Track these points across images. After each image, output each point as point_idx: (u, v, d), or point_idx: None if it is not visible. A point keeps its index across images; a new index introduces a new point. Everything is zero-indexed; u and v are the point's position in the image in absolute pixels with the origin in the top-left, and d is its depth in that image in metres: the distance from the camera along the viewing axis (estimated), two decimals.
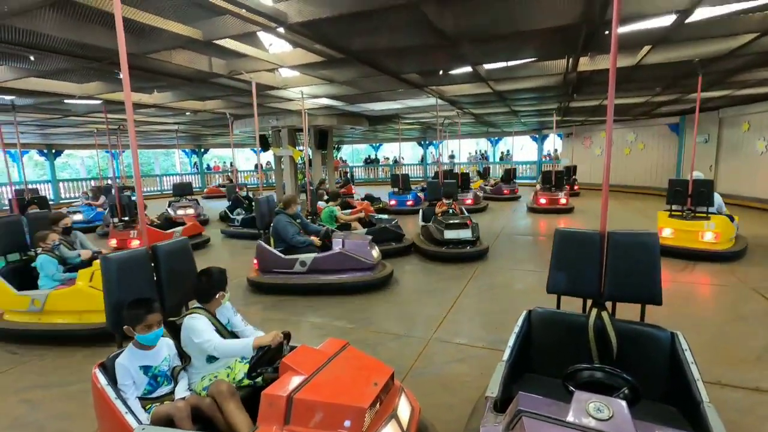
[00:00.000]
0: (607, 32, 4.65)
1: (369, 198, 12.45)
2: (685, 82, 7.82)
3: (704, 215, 6.16)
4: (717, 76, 7.32)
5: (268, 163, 21.78)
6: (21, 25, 3.86)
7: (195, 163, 24.10)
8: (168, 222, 9.49)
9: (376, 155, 26.53)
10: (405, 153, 28.55)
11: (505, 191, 14.84)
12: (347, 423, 1.76)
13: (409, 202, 12.02)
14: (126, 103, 2.28)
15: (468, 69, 6.68)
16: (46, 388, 3.26)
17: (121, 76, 2.13)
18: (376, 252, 5.63)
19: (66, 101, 8.06)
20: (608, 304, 2.41)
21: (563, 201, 11.65)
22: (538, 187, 12.40)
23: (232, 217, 10.19)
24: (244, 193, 10.98)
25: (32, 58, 5.15)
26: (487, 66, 7.03)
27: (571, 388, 1.75)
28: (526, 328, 2.50)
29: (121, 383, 2.08)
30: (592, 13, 3.96)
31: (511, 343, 2.32)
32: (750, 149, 11.54)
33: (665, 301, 2.28)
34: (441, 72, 7.20)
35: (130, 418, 1.95)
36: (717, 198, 6.35)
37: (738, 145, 12.08)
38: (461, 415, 2.50)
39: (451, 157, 24.92)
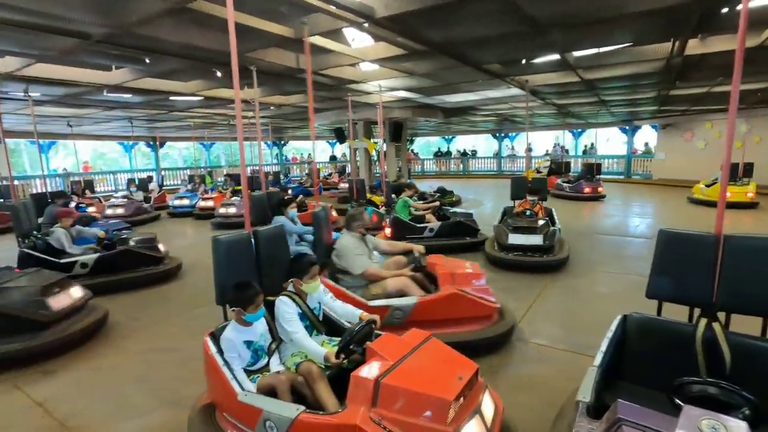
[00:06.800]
0: (725, 10, 4.12)
1: (441, 191, 12.34)
2: None
3: None
4: None
5: (343, 155, 22.48)
6: (143, 32, 4.37)
7: (276, 154, 25.61)
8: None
9: (448, 148, 26.11)
10: (479, 146, 27.81)
11: (586, 189, 13.07)
12: (428, 413, 1.78)
13: None
14: (236, 100, 2.50)
15: (555, 57, 6.32)
16: (161, 352, 3.71)
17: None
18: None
19: (171, 98, 9.00)
20: (721, 315, 2.18)
21: None
22: None
23: None
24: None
25: (147, 60, 5.83)
26: (576, 53, 6.58)
27: (678, 401, 1.63)
28: (620, 334, 2.35)
29: (228, 356, 2.28)
30: None
31: (603, 347, 2.20)
32: None
33: None
34: (524, 61, 6.89)
35: (234, 384, 2.16)
36: None
37: None
38: (542, 415, 2.44)
39: (528, 150, 23.59)
